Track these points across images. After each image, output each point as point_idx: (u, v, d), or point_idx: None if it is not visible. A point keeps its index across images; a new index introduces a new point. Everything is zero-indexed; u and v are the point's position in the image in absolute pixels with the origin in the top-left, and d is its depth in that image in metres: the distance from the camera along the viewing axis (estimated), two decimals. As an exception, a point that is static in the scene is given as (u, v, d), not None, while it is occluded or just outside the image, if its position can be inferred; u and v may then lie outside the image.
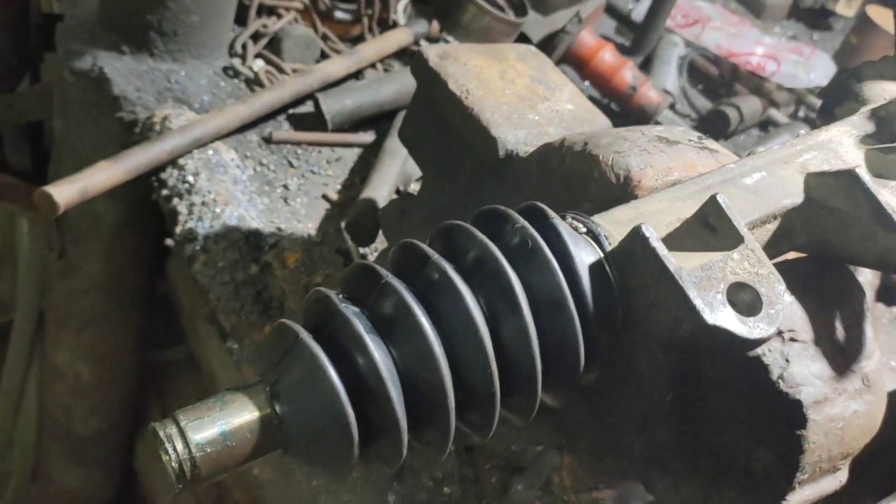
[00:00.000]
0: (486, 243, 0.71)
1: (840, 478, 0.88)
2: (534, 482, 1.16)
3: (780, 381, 0.79)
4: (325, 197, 1.69)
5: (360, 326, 0.65)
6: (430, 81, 1.18)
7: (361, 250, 1.54)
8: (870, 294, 2.08)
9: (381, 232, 1.52)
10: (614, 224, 0.79)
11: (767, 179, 0.85)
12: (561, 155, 1.00)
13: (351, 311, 0.66)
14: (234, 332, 1.37)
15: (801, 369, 0.79)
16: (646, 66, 2.54)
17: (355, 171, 1.76)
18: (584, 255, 0.74)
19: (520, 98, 1.17)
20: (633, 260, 0.73)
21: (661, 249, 0.71)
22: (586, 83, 2.32)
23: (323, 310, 0.68)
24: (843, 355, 0.83)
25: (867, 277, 2.02)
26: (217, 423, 0.64)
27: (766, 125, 2.53)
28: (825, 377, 0.80)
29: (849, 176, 0.80)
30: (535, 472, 1.16)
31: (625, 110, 2.29)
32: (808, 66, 2.63)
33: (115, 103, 1.72)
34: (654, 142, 0.96)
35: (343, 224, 1.55)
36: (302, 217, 1.62)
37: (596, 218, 0.79)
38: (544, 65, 1.26)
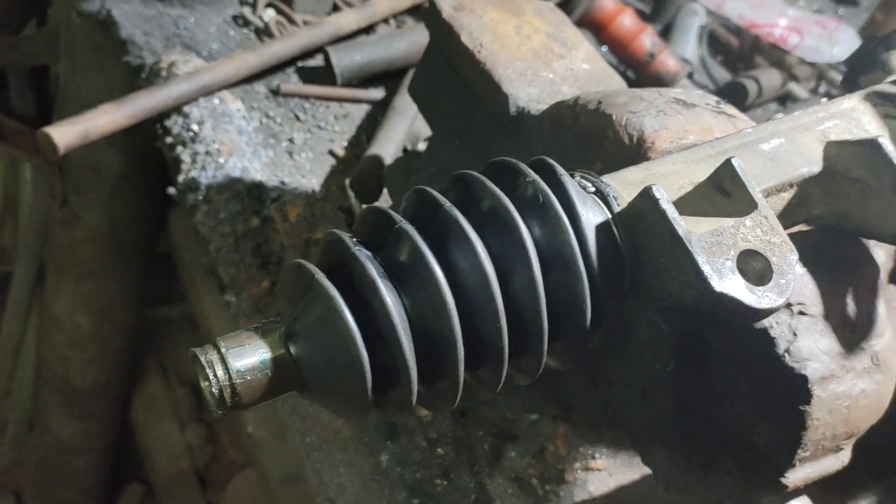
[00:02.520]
0: (499, 195, 0.69)
1: (843, 458, 0.85)
2: (527, 450, 1.15)
3: (786, 354, 0.76)
4: (331, 153, 1.66)
5: (374, 271, 0.64)
6: (442, 34, 1.15)
7: (365, 207, 1.51)
8: (883, 276, 2.04)
9: (385, 190, 1.49)
10: (624, 185, 0.76)
11: (786, 146, 0.82)
12: (574, 113, 0.96)
13: (364, 255, 0.65)
14: (233, 284, 1.35)
15: (809, 344, 0.77)
16: (665, 35, 2.48)
17: (363, 128, 1.73)
18: (591, 215, 0.71)
19: (535, 55, 1.13)
20: (642, 222, 0.71)
21: (672, 212, 0.68)
22: (604, 48, 2.27)
23: (337, 252, 0.67)
24: (853, 332, 0.81)
25: (881, 259, 1.99)
26: (258, 352, 0.64)
27: (784, 100, 2.48)
28: (833, 353, 0.78)
29: (871, 145, 0.77)
30: (528, 440, 1.15)
31: (641, 78, 2.23)
32: (831, 40, 2.57)
33: (121, 47, 1.69)
34: (671, 103, 0.93)
35: (347, 181, 1.52)
36: (306, 172, 1.59)
37: (606, 178, 0.77)
38: (561, 22, 1.22)
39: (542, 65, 1.10)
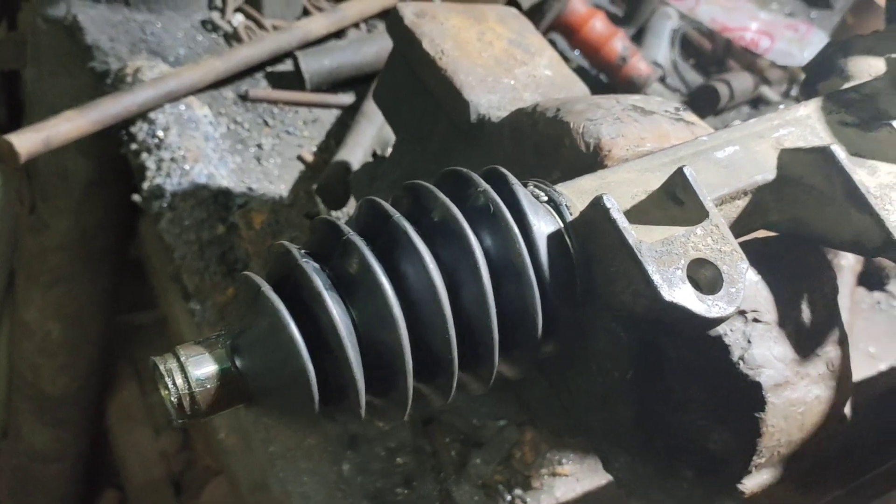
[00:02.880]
0: (448, 205, 0.69)
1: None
2: (493, 456, 1.14)
3: (740, 362, 0.76)
4: (300, 158, 1.66)
5: (320, 283, 0.63)
6: (405, 40, 1.14)
7: (333, 214, 1.51)
8: (851, 279, 2.06)
9: (353, 196, 1.49)
10: (578, 193, 0.76)
11: (740, 153, 0.82)
12: (533, 121, 0.96)
13: (311, 267, 0.65)
14: (198, 292, 1.34)
15: (763, 351, 0.77)
16: (638, 38, 2.49)
17: (332, 133, 1.72)
18: (543, 224, 0.71)
19: (496, 61, 1.13)
20: (593, 231, 0.71)
21: (622, 221, 0.68)
22: (576, 52, 2.28)
23: (284, 264, 0.66)
24: (808, 338, 0.81)
25: (850, 262, 2.00)
26: (217, 361, 0.64)
27: (757, 102, 2.49)
28: (787, 360, 0.78)
29: (824, 153, 0.77)
30: (494, 447, 1.14)
31: (614, 82, 2.24)
32: (803, 43, 2.59)
33: (87, 53, 1.67)
34: (629, 111, 0.93)
35: (314, 187, 1.51)
36: (274, 178, 1.58)
37: (559, 187, 0.76)
38: (525, 28, 1.22)
39: (503, 71, 1.10)
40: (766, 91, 2.50)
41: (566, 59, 2.29)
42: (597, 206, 0.69)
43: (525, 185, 0.75)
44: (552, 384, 0.99)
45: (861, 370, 1.79)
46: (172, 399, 0.63)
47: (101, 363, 2.74)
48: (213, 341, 0.64)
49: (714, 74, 2.48)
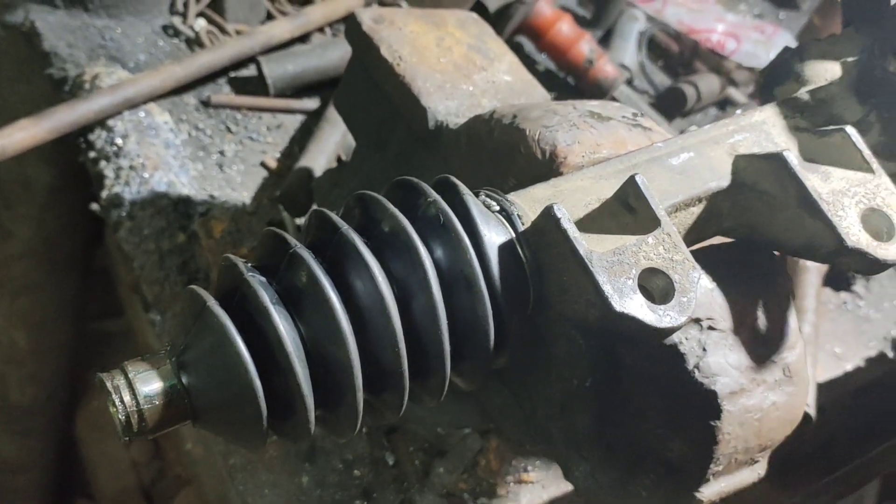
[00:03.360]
0: (397, 216, 0.68)
1: (758, 470, 0.85)
2: (456, 465, 1.13)
3: (695, 370, 0.76)
4: (263, 165, 1.64)
5: (266, 297, 0.62)
6: (363, 46, 1.13)
7: (298, 221, 1.49)
8: (817, 279, 2.07)
9: (315, 203, 1.47)
10: (531, 202, 0.76)
11: (695, 160, 0.82)
12: (489, 128, 0.96)
13: (257, 281, 0.63)
14: (157, 302, 1.32)
15: (718, 359, 0.77)
16: (606, 41, 2.49)
17: (296, 138, 1.70)
18: (494, 235, 0.70)
19: (455, 67, 1.12)
20: (544, 241, 0.70)
21: (573, 231, 0.67)
22: (543, 55, 2.27)
23: (231, 278, 0.65)
24: (764, 345, 0.81)
25: (815, 263, 2.01)
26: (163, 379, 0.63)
27: (724, 104, 2.50)
28: (742, 367, 0.78)
29: (777, 159, 0.77)
30: (456, 456, 1.13)
31: (581, 84, 2.24)
32: (769, 45, 2.61)
33: (45, 59, 1.64)
34: (585, 117, 0.92)
35: (277, 194, 1.50)
36: (237, 185, 1.56)
37: (512, 196, 0.76)
38: (484, 33, 1.21)
39: (462, 77, 1.09)
40: (733, 92, 2.51)
41: (533, 62, 2.29)
42: (548, 216, 0.68)
43: (477, 195, 0.74)
44: (513, 392, 0.98)
45: (827, 371, 1.80)
46: (120, 416, 0.61)
47: (70, 372, 2.70)
48: (160, 357, 0.63)
49: (681, 76, 2.49)
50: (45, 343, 2.45)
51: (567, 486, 1.26)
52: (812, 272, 1.81)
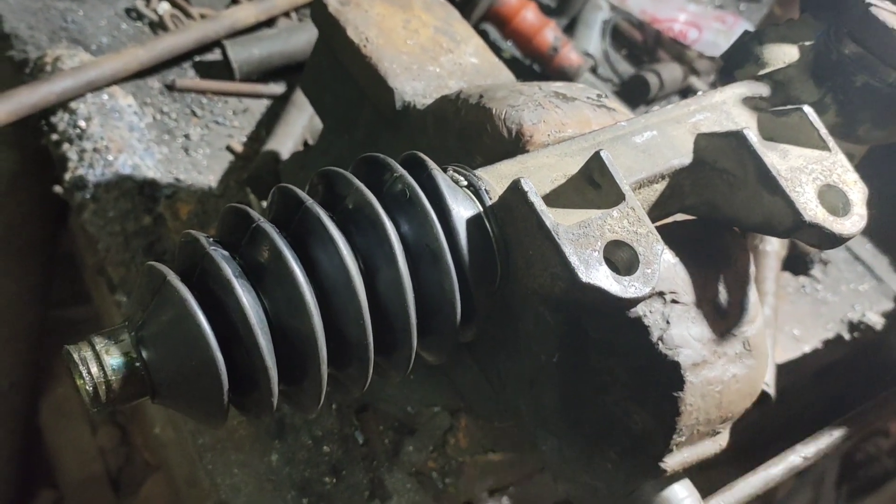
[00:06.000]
0: (362, 190, 0.68)
1: (720, 441, 0.88)
2: (425, 444, 1.14)
3: (659, 342, 0.78)
4: (229, 149, 1.63)
5: (229, 270, 0.62)
6: (329, 28, 1.13)
7: (264, 204, 1.49)
8: (776, 263, 2.10)
9: (283, 186, 1.47)
10: (498, 178, 0.77)
11: (658, 139, 0.83)
12: (456, 108, 0.96)
13: (220, 255, 0.63)
14: (123, 284, 1.31)
15: (681, 331, 0.78)
16: (570, 29, 2.51)
17: (262, 122, 1.70)
18: (462, 209, 0.71)
19: (422, 49, 1.13)
20: (512, 215, 0.71)
21: (539, 204, 0.68)
22: (508, 42, 2.29)
23: (191, 253, 0.65)
24: (724, 319, 0.83)
25: (774, 247, 2.05)
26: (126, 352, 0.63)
27: (686, 92, 2.54)
28: (705, 340, 0.80)
29: (736, 137, 0.78)
30: (426, 434, 1.15)
31: (546, 71, 2.26)
32: (729, 34, 2.64)
33: (5, 42, 1.62)
34: (551, 97, 0.94)
35: (244, 177, 1.49)
36: (203, 168, 1.55)
37: (479, 171, 0.77)
38: (451, 16, 1.22)
39: (429, 59, 1.10)
40: (695, 81, 2.54)
41: (499, 49, 2.30)
42: (515, 190, 0.69)
43: (445, 170, 0.75)
44: (482, 369, 1.00)
45: (787, 352, 1.84)
46: (88, 388, 0.62)
47: (34, 359, 2.66)
48: (118, 331, 0.63)
49: (644, 65, 2.52)
50: (6, 331, 2.41)
51: (534, 466, 1.28)
52: (771, 256, 1.85)
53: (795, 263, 2.04)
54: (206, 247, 0.62)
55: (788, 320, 1.89)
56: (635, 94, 2.38)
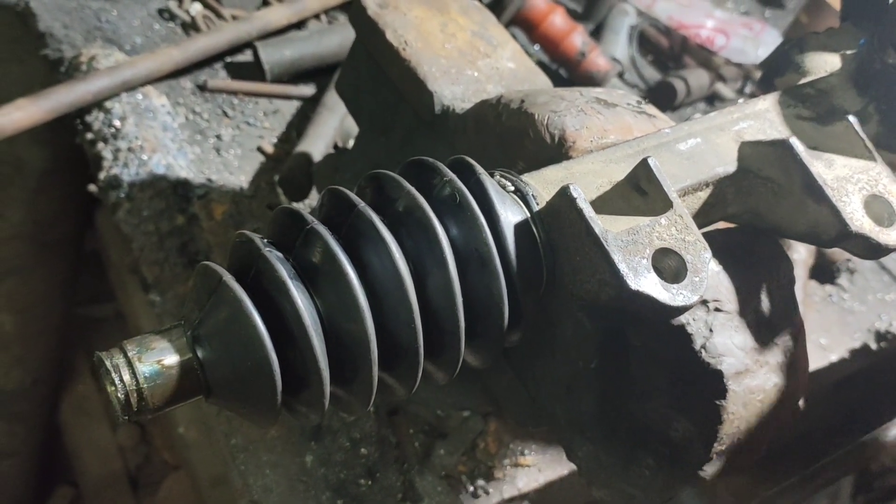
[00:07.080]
0: (413, 194, 0.69)
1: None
2: (456, 447, 1.15)
3: (702, 350, 0.77)
4: (260, 150, 1.64)
5: (284, 272, 0.63)
6: (367, 31, 1.14)
7: (295, 205, 1.49)
8: (803, 272, 2.09)
9: (315, 188, 1.48)
10: (544, 184, 0.77)
11: (702, 146, 0.83)
12: (497, 112, 0.97)
13: (275, 256, 0.64)
14: (157, 283, 1.32)
15: (724, 340, 0.78)
16: (596, 34, 2.51)
17: (293, 124, 1.71)
18: (510, 214, 0.72)
19: (460, 53, 1.13)
20: (559, 220, 0.71)
21: (588, 211, 0.68)
22: (536, 47, 2.29)
23: (246, 253, 0.65)
24: (767, 327, 0.83)
25: (801, 255, 2.03)
26: (165, 356, 0.62)
27: (712, 99, 2.53)
28: (747, 348, 0.79)
29: (782, 146, 0.78)
30: (457, 438, 1.15)
31: (573, 76, 2.26)
32: (756, 41, 2.64)
33: (40, 40, 1.63)
34: (592, 103, 0.94)
35: (276, 178, 1.50)
36: (234, 169, 1.56)
37: (525, 177, 0.77)
38: (487, 20, 1.22)
39: (467, 63, 1.10)
40: (721, 88, 2.54)
41: (527, 53, 2.31)
42: (563, 196, 0.69)
43: (492, 175, 0.75)
44: (518, 373, 1.00)
45: (813, 361, 1.83)
46: (119, 395, 0.61)
47: (57, 356, 2.68)
48: (172, 331, 0.63)
49: (671, 71, 2.52)
50: (32, 327, 2.43)
51: (563, 470, 1.28)
52: (798, 265, 1.84)
53: (822, 272, 2.03)
54: (261, 248, 0.63)
55: (815, 329, 1.88)
56: (662, 100, 2.38)
